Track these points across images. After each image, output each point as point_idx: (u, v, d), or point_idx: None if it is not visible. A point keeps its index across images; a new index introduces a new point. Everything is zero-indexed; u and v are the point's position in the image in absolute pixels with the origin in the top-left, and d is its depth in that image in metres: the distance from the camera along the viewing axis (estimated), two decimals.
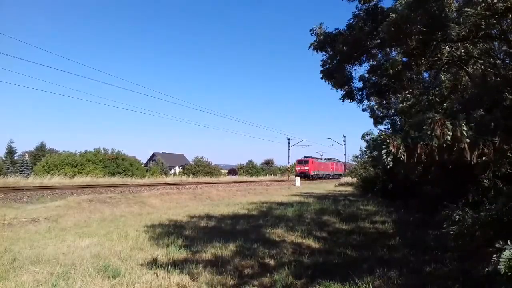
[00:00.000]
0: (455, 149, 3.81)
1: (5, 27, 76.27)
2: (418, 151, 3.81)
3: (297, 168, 50.63)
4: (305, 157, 51.60)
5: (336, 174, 60.85)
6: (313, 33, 7.62)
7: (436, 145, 3.72)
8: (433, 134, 3.69)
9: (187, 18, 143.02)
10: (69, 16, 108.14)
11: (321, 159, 57.35)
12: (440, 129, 3.68)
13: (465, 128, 3.71)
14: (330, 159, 62.48)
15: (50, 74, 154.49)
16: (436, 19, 4.91)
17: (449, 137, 3.70)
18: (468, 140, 3.77)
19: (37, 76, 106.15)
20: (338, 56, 7.39)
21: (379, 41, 6.66)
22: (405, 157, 3.76)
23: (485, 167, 4.80)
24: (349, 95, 8.46)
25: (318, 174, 51.65)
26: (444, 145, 3.74)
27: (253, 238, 7.00)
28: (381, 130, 15.20)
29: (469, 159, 3.83)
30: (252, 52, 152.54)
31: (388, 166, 3.78)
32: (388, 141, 3.74)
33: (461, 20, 4.87)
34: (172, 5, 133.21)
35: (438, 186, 8.96)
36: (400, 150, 3.77)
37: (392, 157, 3.73)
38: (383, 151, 3.72)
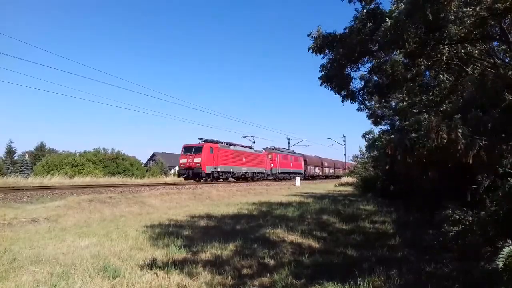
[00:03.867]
0: (451, 150, 3.83)
1: (5, 27, 76.31)
2: (416, 152, 3.84)
3: (181, 161, 27.12)
4: (202, 140, 27.37)
5: (282, 173, 38.76)
6: (311, 37, 7.64)
7: (434, 146, 3.75)
8: (429, 136, 3.72)
9: (187, 18, 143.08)
10: (69, 16, 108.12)
11: (242, 146, 33.41)
12: (434, 132, 3.71)
13: (460, 130, 3.73)
14: (274, 148, 39.56)
15: (50, 74, 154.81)
16: (434, 21, 4.92)
17: (444, 140, 3.72)
18: (464, 141, 3.79)
19: (38, 76, 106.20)
20: (338, 59, 7.39)
21: (378, 44, 6.68)
22: (402, 158, 3.79)
23: (482, 167, 4.83)
24: (350, 96, 8.46)
25: (229, 172, 29.57)
26: (441, 145, 3.76)
27: (253, 238, 6.99)
28: (381, 129, 15.24)
29: (465, 160, 3.85)
30: (252, 52, 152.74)
31: (387, 166, 3.83)
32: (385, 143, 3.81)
33: (460, 21, 4.88)
34: (172, 5, 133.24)
35: (438, 186, 8.96)
36: (397, 152, 3.80)
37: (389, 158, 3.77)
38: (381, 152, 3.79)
